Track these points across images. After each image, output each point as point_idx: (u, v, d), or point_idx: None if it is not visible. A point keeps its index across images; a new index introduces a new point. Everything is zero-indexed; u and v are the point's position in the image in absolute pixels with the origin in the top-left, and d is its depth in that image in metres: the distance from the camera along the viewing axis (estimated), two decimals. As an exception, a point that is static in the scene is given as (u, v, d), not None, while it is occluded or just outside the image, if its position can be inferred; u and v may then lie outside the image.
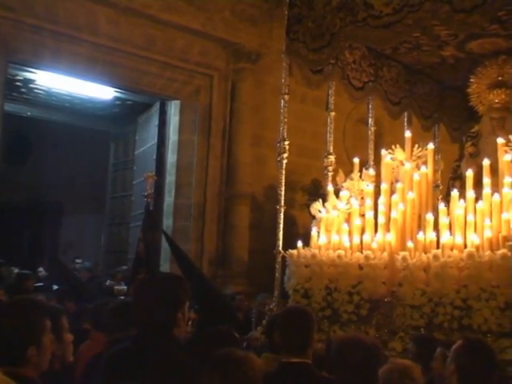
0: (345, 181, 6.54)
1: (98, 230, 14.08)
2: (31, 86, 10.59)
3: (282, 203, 6.18)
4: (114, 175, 12.92)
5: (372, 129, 7.32)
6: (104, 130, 13.24)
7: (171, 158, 10.27)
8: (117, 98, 11.01)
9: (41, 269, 10.32)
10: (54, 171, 14.83)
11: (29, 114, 12.36)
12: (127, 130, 12.20)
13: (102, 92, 10.61)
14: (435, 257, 5.22)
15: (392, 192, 6.12)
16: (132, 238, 10.49)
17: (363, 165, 6.90)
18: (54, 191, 14.79)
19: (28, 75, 9.80)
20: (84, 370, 3.95)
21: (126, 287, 8.37)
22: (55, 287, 8.02)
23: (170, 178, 10.24)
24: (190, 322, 5.26)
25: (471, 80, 6.95)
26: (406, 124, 7.51)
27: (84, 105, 11.70)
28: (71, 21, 8.66)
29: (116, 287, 9.15)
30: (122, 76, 9.60)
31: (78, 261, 11.97)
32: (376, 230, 5.86)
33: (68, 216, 15.27)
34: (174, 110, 10.36)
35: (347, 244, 5.89)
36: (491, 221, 5.31)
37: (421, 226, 5.81)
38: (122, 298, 6.55)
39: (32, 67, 9.27)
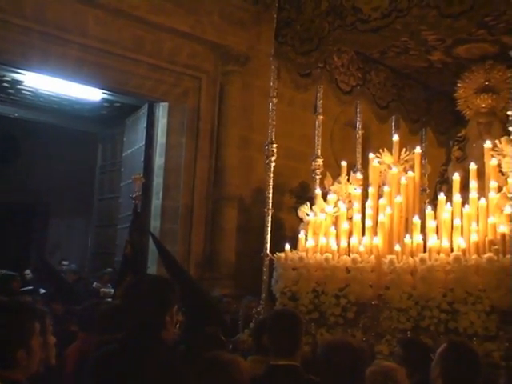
0: (332, 184, 6.57)
1: (85, 231, 14.01)
2: (19, 87, 10.52)
3: (270, 206, 6.19)
4: (101, 177, 12.87)
5: (360, 132, 7.36)
6: (92, 131, 13.18)
7: (159, 160, 10.25)
8: (105, 100, 10.97)
9: (28, 271, 10.27)
10: (42, 172, 14.74)
11: (16, 115, 12.29)
12: (115, 132, 12.16)
13: (90, 93, 10.57)
14: (422, 260, 5.25)
15: (379, 195, 6.15)
16: (119, 239, 10.45)
17: (351, 168, 6.93)
18: (41, 192, 14.71)
19: (16, 76, 9.74)
20: (72, 371, 3.94)
21: (112, 289, 8.34)
22: (42, 290, 7.99)
23: (158, 179, 10.22)
24: (177, 325, 5.25)
25: (458, 85, 6.99)
26: (393, 128, 7.55)
27: (72, 106, 11.65)
28: (59, 22, 8.63)
29: (102, 289, 9.12)
30: (111, 77, 9.57)
31: (64, 263, 11.90)
32: (363, 234, 5.89)
33: (55, 217, 15.19)
34: (162, 112, 10.34)
35: (334, 247, 5.91)
36: (478, 225, 5.35)
37: (408, 229, 5.84)
38: (110, 300, 6.54)
39: (20, 68, 9.22)
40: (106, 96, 10.58)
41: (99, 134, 13.09)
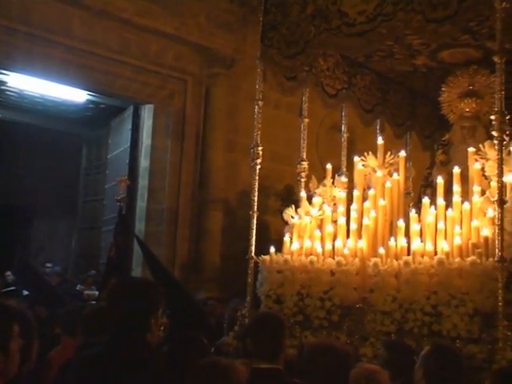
0: (317, 187, 6.58)
1: (69, 233, 13.95)
2: (3, 87, 10.48)
3: (255, 209, 6.19)
4: (86, 179, 12.82)
5: (345, 135, 7.38)
6: (77, 133, 13.14)
7: (144, 162, 10.24)
8: (90, 102, 10.94)
9: (8, 272, 10.19)
10: (26, 174, 14.65)
11: (0, 116, 12.22)
12: (100, 134, 12.12)
13: (75, 95, 10.54)
14: (406, 263, 5.27)
15: (364, 199, 6.17)
16: (104, 242, 10.42)
17: (336, 171, 6.94)
18: (25, 194, 14.62)
19: (0, 77, 9.69)
20: (56, 375, 3.92)
21: (96, 292, 8.30)
22: (26, 292, 7.92)
23: (143, 182, 10.20)
24: (161, 328, 5.24)
25: (443, 89, 7.03)
26: (378, 131, 7.57)
27: (57, 108, 11.60)
28: (45, 23, 8.60)
29: (86, 292, 9.08)
30: (96, 79, 9.55)
31: (48, 265, 11.83)
32: (348, 237, 5.90)
33: (39, 219, 15.10)
34: (147, 114, 10.33)
35: (319, 250, 5.92)
36: (461, 228, 5.38)
37: (392, 232, 5.86)
38: (94, 302, 6.51)
39: (4, 69, 9.18)
40: (90, 98, 10.56)
41: (84, 136, 13.05)
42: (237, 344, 5.20)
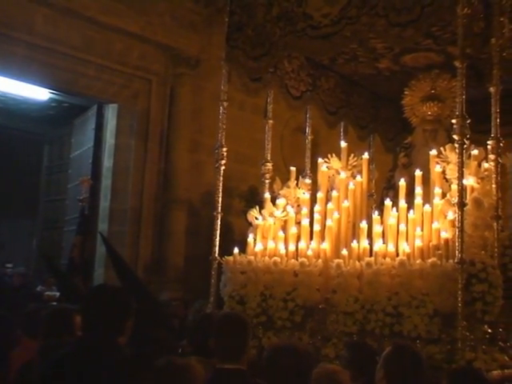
0: (281, 188, 6.61)
1: (30, 233, 13.74)
2: (-37, 84, 10.28)
3: (219, 209, 6.19)
4: (48, 178, 12.64)
5: (309, 137, 7.42)
6: (39, 131, 12.94)
7: (107, 161, 10.13)
8: (52, 100, 10.79)
9: (9, 264, 10.01)
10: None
11: (-40, 113, 12.00)
12: (63, 133, 11.96)
13: (37, 93, 10.38)
14: (368, 264, 5.33)
15: (327, 200, 6.22)
16: (66, 242, 10.30)
17: (300, 173, 6.98)
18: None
19: (-40, 74, 9.50)
20: (15, 377, 3.86)
21: (57, 293, 8.20)
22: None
23: (106, 182, 10.09)
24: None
25: (405, 92, 7.12)
26: (342, 134, 7.63)
27: (18, 106, 11.41)
28: (7, 19, 8.44)
29: (47, 293, 8.96)
30: (59, 77, 9.41)
31: (8, 265, 11.65)
32: (311, 238, 5.94)
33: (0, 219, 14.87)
34: (111, 113, 10.22)
35: (283, 251, 5.95)
36: (422, 230, 5.46)
37: (355, 234, 5.92)
38: (55, 304, 6.43)
39: (-36, 66, 9.00)
40: (53, 96, 10.41)
41: (46, 135, 12.86)
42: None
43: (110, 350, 2.89)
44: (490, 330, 5.02)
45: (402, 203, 5.69)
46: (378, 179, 7.65)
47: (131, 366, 2.93)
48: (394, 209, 5.76)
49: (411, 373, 3.36)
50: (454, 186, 5.24)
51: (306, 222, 6.04)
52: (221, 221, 6.20)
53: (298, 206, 6.44)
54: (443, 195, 5.65)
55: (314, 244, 5.86)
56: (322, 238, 5.85)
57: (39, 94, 10.39)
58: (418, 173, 5.90)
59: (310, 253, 5.77)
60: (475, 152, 5.69)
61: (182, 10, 10.07)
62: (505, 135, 5.50)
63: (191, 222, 10.16)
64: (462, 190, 5.01)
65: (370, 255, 5.49)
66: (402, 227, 5.50)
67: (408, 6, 5.19)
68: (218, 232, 6.13)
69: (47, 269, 8.01)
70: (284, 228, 6.22)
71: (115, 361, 2.84)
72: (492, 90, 5.45)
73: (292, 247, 5.93)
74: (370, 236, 5.67)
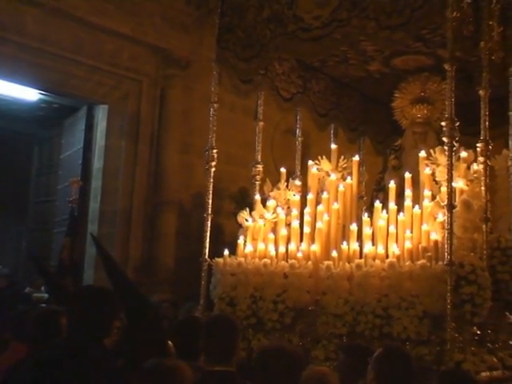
0: (272, 190, 6.62)
1: (19, 235, 13.66)
2: (-48, 85, 10.21)
3: (210, 211, 6.19)
4: (37, 179, 12.57)
5: (299, 139, 7.44)
6: (28, 132, 12.87)
7: (97, 163, 10.09)
8: (42, 101, 10.73)
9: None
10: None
11: None
12: (53, 134, 11.90)
13: (27, 94, 10.33)
14: (358, 266, 5.35)
15: (318, 202, 6.23)
16: (55, 244, 10.25)
17: (290, 175, 6.99)
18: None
19: (-52, 74, 9.45)
20: (2, 379, 3.83)
21: (45, 294, 8.15)
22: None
23: (96, 183, 10.06)
24: (115, 330, 5.18)
25: (395, 95, 7.15)
26: (332, 136, 7.65)
27: (8, 106, 11.34)
28: (-4, 20, 8.42)
29: (35, 294, 8.90)
30: (49, 78, 9.38)
31: (-6, 267, 11.57)
32: (301, 240, 5.95)
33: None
34: (101, 114, 10.19)
35: (273, 253, 5.95)
36: (412, 232, 5.48)
37: (345, 236, 5.93)
38: (44, 305, 6.39)
39: (-47, 66, 8.95)
40: (43, 97, 10.36)
41: (36, 136, 12.80)
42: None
43: (95, 352, 2.87)
44: (478, 332, 5.04)
45: (392, 205, 5.70)
46: (368, 181, 7.67)
47: (117, 368, 2.93)
48: (384, 211, 5.78)
49: (401, 374, 3.37)
50: (444, 188, 5.27)
51: (296, 223, 6.05)
52: (211, 222, 6.19)
53: (288, 207, 6.45)
54: (433, 197, 5.67)
55: (303, 246, 5.86)
56: (312, 240, 5.86)
57: (29, 94, 10.34)
58: (408, 175, 5.92)
59: (299, 255, 5.78)
60: (464, 154, 5.72)
61: (173, 12, 10.06)
62: (494, 138, 5.53)
63: (181, 224, 10.14)
64: (451, 192, 5.04)
65: (360, 257, 5.51)
66: (392, 229, 5.51)
67: (398, 9, 5.21)
68: (208, 234, 6.13)
69: (36, 270, 7.95)
70: (274, 230, 6.22)
71: (101, 363, 2.83)
72: (481, 92, 5.47)
73: (282, 249, 5.94)
74: (359, 238, 5.69)
